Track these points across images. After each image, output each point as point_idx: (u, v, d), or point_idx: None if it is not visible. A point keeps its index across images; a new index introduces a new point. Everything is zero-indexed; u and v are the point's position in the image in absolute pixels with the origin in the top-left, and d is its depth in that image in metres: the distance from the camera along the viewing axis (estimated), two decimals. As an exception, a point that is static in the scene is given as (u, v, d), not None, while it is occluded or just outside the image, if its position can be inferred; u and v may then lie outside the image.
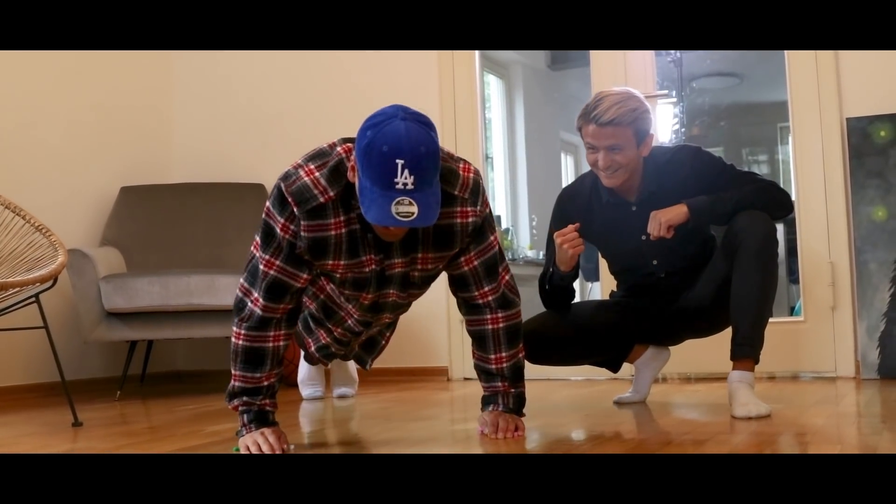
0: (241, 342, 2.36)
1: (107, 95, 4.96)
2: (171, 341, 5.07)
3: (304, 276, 2.33)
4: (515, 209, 7.67)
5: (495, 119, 7.59)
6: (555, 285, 3.07)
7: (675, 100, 7.26)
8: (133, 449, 2.59)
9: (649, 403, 3.30)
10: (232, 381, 2.39)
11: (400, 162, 2.03)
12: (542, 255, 7.22)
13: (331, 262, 2.31)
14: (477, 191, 2.34)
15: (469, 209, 2.33)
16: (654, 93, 4.50)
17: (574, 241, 2.91)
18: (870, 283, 3.99)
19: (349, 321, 2.61)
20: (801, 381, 3.99)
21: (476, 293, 2.48)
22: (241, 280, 2.39)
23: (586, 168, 3.05)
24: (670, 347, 3.34)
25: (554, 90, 8.17)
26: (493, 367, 2.54)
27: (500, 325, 2.51)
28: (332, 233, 2.26)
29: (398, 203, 2.03)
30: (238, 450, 2.37)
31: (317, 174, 2.23)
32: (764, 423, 2.62)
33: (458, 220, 2.33)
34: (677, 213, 2.85)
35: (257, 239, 2.34)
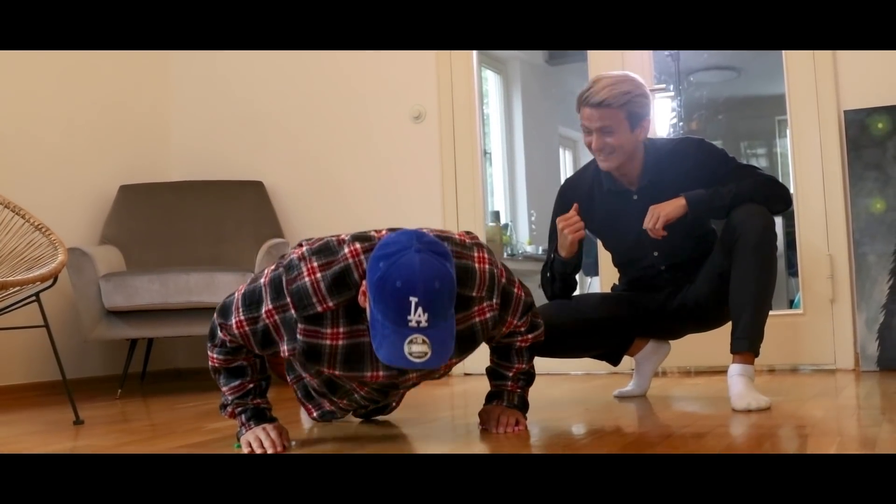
0: (217, 365, 2.38)
1: (105, 94, 4.96)
2: (171, 339, 5.08)
3: (262, 353, 2.32)
4: (514, 205, 7.68)
5: (493, 115, 7.60)
6: (556, 272, 3.09)
7: (672, 94, 7.27)
8: (135, 446, 2.60)
9: (649, 397, 3.30)
10: (222, 395, 2.42)
11: (414, 299, 1.95)
12: (541, 250, 7.24)
13: (326, 368, 2.27)
14: (493, 284, 2.30)
15: (486, 305, 2.30)
16: (652, 87, 4.50)
17: (574, 226, 2.93)
18: (868, 276, 4.00)
19: (356, 395, 2.52)
20: (800, 374, 4.00)
21: (512, 328, 2.52)
22: (217, 309, 2.35)
23: (585, 162, 3.06)
24: (670, 341, 3.35)
25: (552, 85, 8.17)
26: (510, 373, 2.60)
27: (528, 343, 2.57)
28: (328, 342, 2.21)
29: (411, 342, 1.97)
30: (239, 446, 2.38)
31: (318, 276, 2.16)
32: (764, 416, 2.63)
33: (478, 320, 2.30)
34: (675, 206, 2.86)
35: (244, 288, 2.28)
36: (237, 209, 4.85)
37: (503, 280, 2.36)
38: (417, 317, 1.96)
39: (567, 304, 3.16)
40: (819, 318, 4.16)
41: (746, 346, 2.82)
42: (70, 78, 4.76)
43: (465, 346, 2.31)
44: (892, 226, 3.97)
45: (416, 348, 1.97)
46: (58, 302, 4.34)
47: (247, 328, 2.24)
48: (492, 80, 7.57)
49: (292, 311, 2.17)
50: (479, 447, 2.36)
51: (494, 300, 2.31)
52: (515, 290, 2.42)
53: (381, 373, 2.29)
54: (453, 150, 4.74)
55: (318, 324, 2.18)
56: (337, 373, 2.28)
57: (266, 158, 5.12)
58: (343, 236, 2.23)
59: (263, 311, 2.21)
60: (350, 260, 2.16)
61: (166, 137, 5.34)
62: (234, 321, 2.26)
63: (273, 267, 2.24)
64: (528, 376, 2.63)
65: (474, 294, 2.26)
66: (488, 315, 2.30)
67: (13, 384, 4.27)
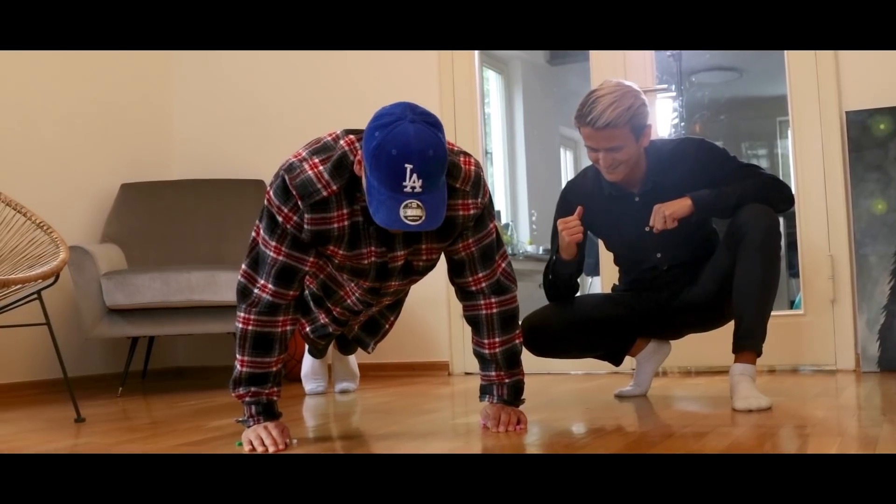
0: (250, 327, 2.35)
1: (106, 92, 4.96)
2: (172, 337, 5.08)
3: (311, 259, 2.36)
4: (515, 204, 7.68)
5: (494, 114, 7.59)
6: (557, 274, 3.09)
7: (674, 94, 7.27)
8: (136, 444, 2.60)
9: (650, 397, 3.31)
10: (238, 368, 2.37)
11: (409, 166, 2.05)
12: (542, 249, 7.24)
13: (331, 248, 2.34)
14: (478, 183, 2.37)
15: (471, 201, 2.36)
16: (654, 87, 4.51)
17: (573, 229, 2.93)
18: (869, 277, 4.00)
19: (349, 300, 2.64)
20: (801, 375, 4.00)
21: (470, 279, 2.50)
22: (244, 266, 2.38)
23: (586, 163, 3.06)
24: (671, 342, 3.35)
25: (553, 85, 8.17)
26: (487, 351, 2.54)
27: (494, 310, 2.52)
28: (335, 225, 2.29)
29: (406, 206, 2.06)
30: (241, 444, 2.38)
31: (321, 168, 2.24)
32: (765, 416, 2.63)
33: (461, 213, 2.36)
34: (681, 206, 2.85)
35: (260, 225, 2.35)
36: (239, 208, 4.85)
37: (487, 198, 2.42)
38: (412, 182, 2.06)
39: (568, 304, 3.17)
40: (820, 318, 4.16)
41: (749, 345, 2.82)
42: (71, 75, 4.77)
43: (445, 233, 2.39)
44: (893, 227, 3.97)
45: (412, 212, 2.07)
46: (59, 300, 4.34)
47: (284, 247, 2.31)
48: (493, 80, 7.57)
49: (300, 204, 2.24)
50: (479, 446, 2.37)
51: (480, 199, 2.38)
52: (490, 223, 2.47)
53: (374, 248, 2.34)
54: (455, 149, 4.74)
55: (325, 209, 2.26)
56: (340, 252, 2.34)
57: (268, 157, 5.10)
58: (336, 132, 2.33)
59: (281, 221, 2.27)
60: (346, 148, 2.27)
61: (168, 135, 5.34)
62: (271, 254, 2.31)
63: (272, 181, 2.29)
64: (510, 356, 2.55)
65: (458, 186, 2.33)
66: (472, 212, 2.37)
67: (15, 382, 4.27)
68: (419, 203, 2.07)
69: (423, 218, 2.08)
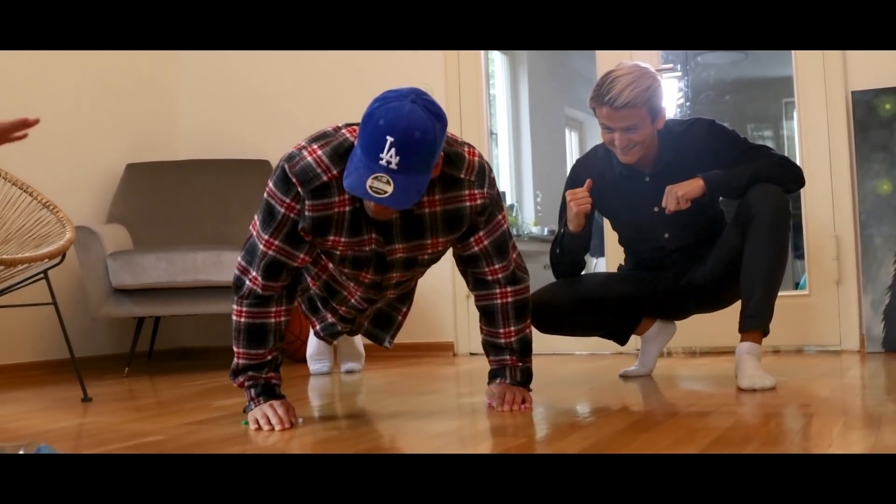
0: (242, 319, 2.38)
1: (112, 72, 4.96)
2: (177, 317, 5.09)
3: (302, 255, 2.34)
4: (520, 186, 7.67)
5: (500, 95, 7.58)
6: (565, 247, 3.10)
7: (679, 74, 7.25)
8: (142, 423, 2.62)
9: (655, 377, 3.31)
10: (235, 359, 2.41)
11: (389, 139, 2.04)
12: (546, 231, 7.24)
13: (332, 238, 2.31)
14: (483, 173, 2.35)
15: (476, 192, 2.34)
16: (660, 67, 4.49)
17: (581, 200, 2.94)
18: (875, 257, 4.00)
19: (352, 300, 2.61)
20: (805, 355, 4.01)
21: (486, 269, 2.49)
22: (239, 258, 2.39)
23: (590, 144, 3.06)
24: (676, 322, 3.35)
25: (558, 67, 8.15)
26: (502, 341, 2.56)
27: (509, 299, 2.53)
28: (336, 210, 2.26)
29: (375, 178, 2.05)
30: (247, 423, 2.40)
31: (319, 153, 2.24)
32: (769, 395, 2.64)
33: (467, 203, 2.34)
34: (693, 186, 2.86)
35: (257, 218, 2.34)
36: (244, 188, 4.85)
37: (495, 191, 2.40)
38: (389, 157, 2.04)
39: (575, 281, 3.17)
40: (825, 299, 4.16)
41: (756, 324, 2.82)
42: (77, 56, 4.76)
43: (452, 226, 2.37)
44: (898, 207, 3.97)
45: (378, 185, 2.05)
46: (65, 280, 4.35)
47: (276, 241, 2.29)
48: (498, 61, 7.55)
49: (300, 192, 2.22)
50: (483, 424, 2.38)
51: (486, 189, 2.35)
52: (500, 214, 2.45)
53: (374, 235, 2.32)
54: (460, 130, 4.74)
55: (326, 195, 2.24)
56: (342, 240, 2.31)
57: (273, 137, 5.12)
58: (338, 125, 2.32)
59: (282, 211, 2.26)
60: (348, 136, 2.25)
61: (173, 116, 5.34)
62: (261, 247, 2.30)
63: (272, 174, 2.30)
64: (524, 344, 2.58)
65: (462, 176, 2.32)
66: (479, 202, 2.35)
67: (22, 362, 4.29)
68: (389, 179, 2.05)
69: (388, 194, 2.05)
